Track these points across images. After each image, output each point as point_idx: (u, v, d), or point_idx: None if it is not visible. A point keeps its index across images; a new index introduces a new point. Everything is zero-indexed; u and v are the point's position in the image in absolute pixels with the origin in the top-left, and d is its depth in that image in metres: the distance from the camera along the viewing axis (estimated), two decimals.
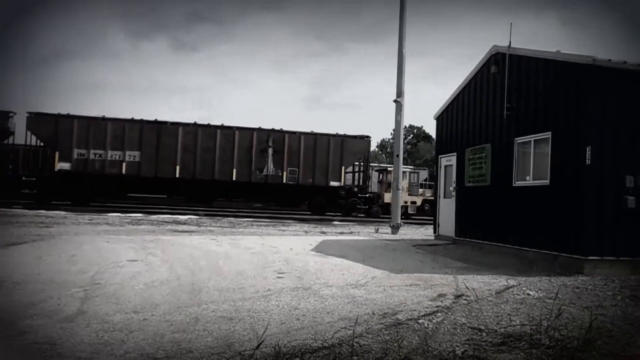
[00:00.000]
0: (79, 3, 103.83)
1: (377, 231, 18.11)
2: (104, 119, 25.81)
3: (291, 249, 11.15)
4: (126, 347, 4.36)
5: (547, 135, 10.06)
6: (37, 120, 25.20)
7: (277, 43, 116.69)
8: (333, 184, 27.99)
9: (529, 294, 6.98)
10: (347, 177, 29.31)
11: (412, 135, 71.27)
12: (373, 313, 5.71)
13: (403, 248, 12.54)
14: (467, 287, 7.18)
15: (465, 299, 6.52)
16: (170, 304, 5.90)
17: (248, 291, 6.73)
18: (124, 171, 25.68)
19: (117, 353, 4.22)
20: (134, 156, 25.78)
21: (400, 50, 18.06)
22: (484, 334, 4.99)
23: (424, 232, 18.42)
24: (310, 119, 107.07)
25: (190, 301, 6.06)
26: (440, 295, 6.78)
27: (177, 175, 26.14)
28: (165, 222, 19.11)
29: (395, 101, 18.15)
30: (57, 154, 25.05)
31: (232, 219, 22.59)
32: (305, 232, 17.20)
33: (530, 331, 4.92)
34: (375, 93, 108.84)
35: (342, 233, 17.12)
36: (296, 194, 28.25)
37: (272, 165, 27.35)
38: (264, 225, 19.66)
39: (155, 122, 26.34)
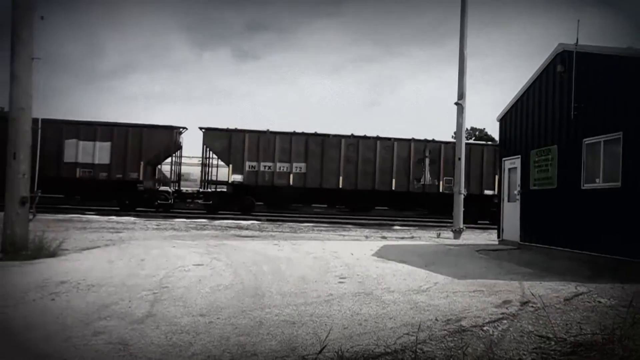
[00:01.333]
0: (147, 18, 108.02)
1: (438, 236, 17.85)
2: (272, 132, 26.82)
3: (352, 254, 11.16)
4: (193, 349, 4.49)
5: (618, 135, 9.64)
6: (212, 135, 26.62)
7: (335, 48, 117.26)
8: (487, 192, 27.98)
9: (600, 302, 6.70)
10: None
11: (473, 138, 69.74)
12: (436, 319, 5.63)
13: (466, 253, 12.30)
14: (533, 294, 6.97)
15: (532, 306, 6.33)
16: (234, 307, 6.04)
17: (310, 296, 6.79)
18: (291, 182, 26.64)
19: (185, 355, 4.36)
20: (300, 167, 26.74)
21: (461, 51, 17.76)
22: (553, 343, 4.84)
23: (487, 237, 18.01)
24: (370, 123, 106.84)
25: (254, 305, 6.18)
26: (505, 302, 6.61)
27: (340, 186, 26.87)
28: (228, 227, 19.54)
29: (456, 103, 17.86)
30: (230, 166, 26.39)
31: (292, 224, 22.83)
32: (366, 237, 17.17)
33: (602, 340, 4.73)
34: (434, 95, 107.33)
35: (403, 238, 16.98)
36: (451, 203, 28.12)
37: (429, 175, 27.69)
38: (325, 230, 19.76)
39: (319, 134, 27.21)
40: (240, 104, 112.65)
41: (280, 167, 26.59)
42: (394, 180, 27.28)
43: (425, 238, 17.11)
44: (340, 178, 26.88)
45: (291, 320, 5.47)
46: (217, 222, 21.95)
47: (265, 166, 26.51)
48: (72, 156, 25.49)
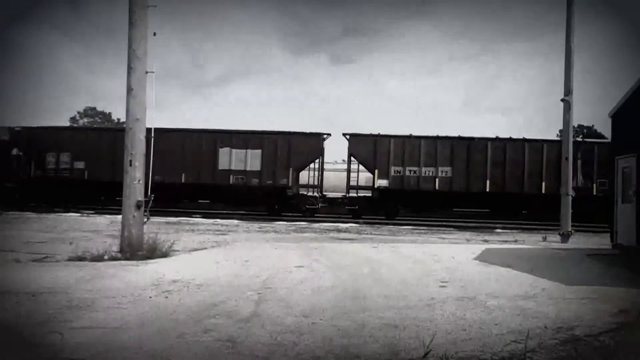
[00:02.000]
0: (246, 28, 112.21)
1: (544, 239, 17.02)
2: (416, 137, 26.81)
3: (453, 258, 10.92)
4: (298, 349, 4.61)
5: None
6: (356, 141, 27.00)
7: (430, 48, 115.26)
8: None
9: None
10: None
11: (581, 136, 65.72)
12: (545, 327, 5.39)
13: (575, 258, 11.63)
14: None
15: None
16: (336, 309, 6.12)
17: (411, 299, 6.73)
18: (437, 187, 26.47)
19: (290, 354, 4.48)
20: (446, 172, 26.52)
21: (567, 44, 16.82)
22: None
23: (598, 241, 16.90)
24: (469, 123, 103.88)
25: (355, 307, 6.22)
26: (622, 311, 6.19)
27: (487, 190, 26.35)
28: (327, 230, 19.79)
29: (563, 100, 16.97)
30: (376, 171, 26.57)
31: (391, 227, 22.72)
32: (467, 240, 16.73)
33: None
34: (534, 92, 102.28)
35: (505, 241, 16.37)
36: (605, 206, 26.29)
37: (581, 177, 26.23)
38: (424, 233, 19.49)
39: (463, 138, 26.89)
40: (336, 107, 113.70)
41: (425, 172, 26.21)
42: (543, 184, 25.89)
43: (530, 242, 16.38)
44: (487, 182, 26.06)
45: (393, 324, 5.45)
46: (316, 225, 22.30)
47: (410, 171, 26.23)
48: (225, 164, 26.58)
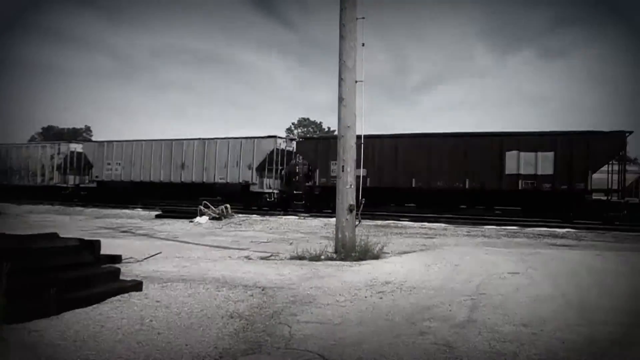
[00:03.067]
0: (448, 30, 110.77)
1: None
2: None
3: None
4: None
5: None
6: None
7: None
8: None
9: None
10: None
11: None
12: None
13: None
14: None
15: None
16: (558, 320, 5.71)
17: None
18: None
19: None
20: None
21: None
22: None
23: None
24: None
25: (580, 320, 5.75)
26: None
27: None
28: (541, 235, 18.57)
29: None
30: None
31: (616, 232, 20.44)
32: None
33: None
34: None
35: None
36: None
37: None
38: None
39: None
40: (547, 105, 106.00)
41: None
42: None
43: None
44: None
45: (628, 341, 4.93)
46: (528, 229, 21.01)
47: None
48: (513, 168, 25.50)
